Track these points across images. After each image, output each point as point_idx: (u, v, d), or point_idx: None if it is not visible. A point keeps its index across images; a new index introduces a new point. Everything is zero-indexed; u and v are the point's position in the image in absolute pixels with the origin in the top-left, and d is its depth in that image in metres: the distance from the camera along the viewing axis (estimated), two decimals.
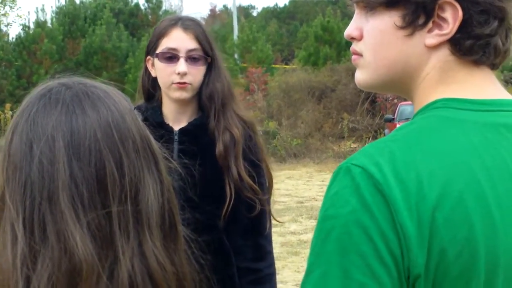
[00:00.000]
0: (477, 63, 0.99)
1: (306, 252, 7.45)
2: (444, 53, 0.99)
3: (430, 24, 0.98)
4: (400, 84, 1.04)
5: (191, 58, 2.11)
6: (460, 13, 0.95)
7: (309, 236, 8.26)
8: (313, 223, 9.12)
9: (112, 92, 0.98)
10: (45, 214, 0.89)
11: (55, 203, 0.89)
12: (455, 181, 0.89)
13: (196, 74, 2.11)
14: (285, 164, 16.38)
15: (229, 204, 2.08)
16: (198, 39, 2.11)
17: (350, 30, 1.06)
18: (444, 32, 0.97)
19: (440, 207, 0.87)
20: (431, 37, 0.98)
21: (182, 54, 2.10)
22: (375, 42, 1.02)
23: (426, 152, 0.91)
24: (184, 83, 2.09)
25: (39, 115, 0.93)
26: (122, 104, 0.97)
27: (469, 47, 0.97)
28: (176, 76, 2.09)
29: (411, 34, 0.99)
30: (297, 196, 11.63)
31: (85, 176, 0.90)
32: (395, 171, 0.89)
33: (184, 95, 2.11)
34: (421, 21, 0.98)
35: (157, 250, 0.93)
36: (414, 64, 1.00)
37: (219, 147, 2.09)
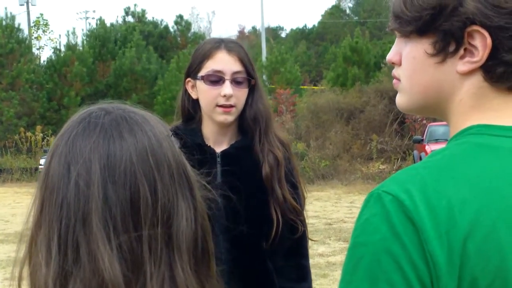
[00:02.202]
0: (511, 90, 0.98)
1: (334, 274, 7.39)
2: (478, 80, 0.98)
3: (461, 51, 0.97)
4: (436, 109, 1.04)
5: (235, 81, 2.11)
6: (489, 40, 0.95)
7: (338, 258, 8.20)
8: (341, 245, 9.06)
9: (150, 117, 1.00)
10: (79, 235, 0.90)
11: (88, 225, 0.90)
12: (488, 209, 0.89)
13: (240, 96, 2.12)
14: (313, 186, 16.32)
15: (277, 228, 2.08)
16: (242, 62, 2.12)
17: (390, 56, 1.07)
18: (474, 59, 0.96)
19: (472, 236, 0.87)
20: (463, 64, 0.98)
21: (227, 76, 2.10)
22: (409, 68, 1.03)
23: (458, 179, 0.91)
24: (230, 106, 2.09)
25: (78, 138, 0.94)
26: (159, 130, 0.98)
27: (501, 74, 0.96)
28: (221, 98, 2.09)
29: (443, 61, 0.99)
30: (325, 217, 11.56)
31: (119, 199, 0.91)
32: (426, 198, 0.88)
33: (229, 119, 2.11)
34: (451, 48, 0.97)
35: (187, 275, 0.94)
36: (447, 90, 1.00)
37: (266, 169, 2.09)
